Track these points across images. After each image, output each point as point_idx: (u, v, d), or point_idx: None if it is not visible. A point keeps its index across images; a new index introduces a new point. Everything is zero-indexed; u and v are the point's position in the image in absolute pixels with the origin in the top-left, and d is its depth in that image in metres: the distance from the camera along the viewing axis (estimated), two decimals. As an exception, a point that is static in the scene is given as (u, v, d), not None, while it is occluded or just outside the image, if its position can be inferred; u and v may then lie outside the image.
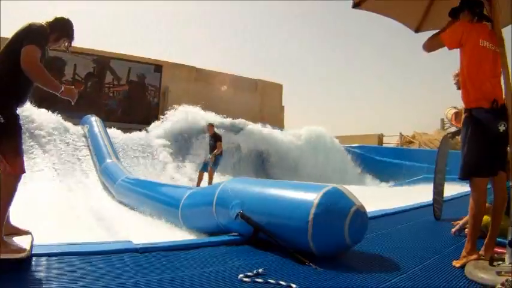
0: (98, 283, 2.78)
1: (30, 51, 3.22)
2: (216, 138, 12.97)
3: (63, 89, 3.39)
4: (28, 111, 14.26)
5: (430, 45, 3.72)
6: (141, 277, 2.95)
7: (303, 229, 3.40)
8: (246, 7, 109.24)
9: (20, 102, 3.41)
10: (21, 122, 3.34)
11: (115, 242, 4.19)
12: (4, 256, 2.87)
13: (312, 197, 3.49)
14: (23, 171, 3.19)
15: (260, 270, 3.03)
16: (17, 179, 3.14)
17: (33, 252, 3.20)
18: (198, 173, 13.27)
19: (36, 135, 13.97)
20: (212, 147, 12.90)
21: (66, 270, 2.99)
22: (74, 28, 3.84)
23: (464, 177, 3.34)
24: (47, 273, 2.91)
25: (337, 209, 3.40)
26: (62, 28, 3.72)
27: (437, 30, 3.72)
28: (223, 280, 2.91)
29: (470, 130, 3.28)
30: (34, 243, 3.36)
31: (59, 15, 3.71)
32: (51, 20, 3.65)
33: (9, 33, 3.48)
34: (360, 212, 3.45)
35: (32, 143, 13.63)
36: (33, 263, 3.10)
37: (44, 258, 3.21)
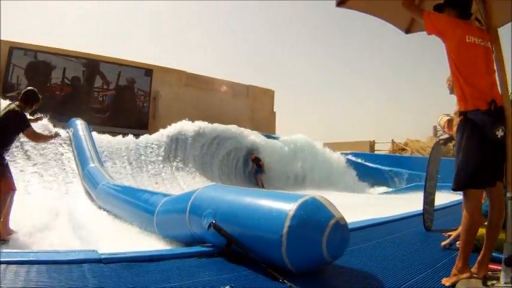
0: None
1: (31, 133, 6.33)
2: (257, 161, 18.87)
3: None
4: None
5: (410, 7, 3.48)
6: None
7: (277, 242, 3.10)
8: (238, 11, 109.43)
9: (7, 150, 6.06)
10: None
11: (79, 250, 3.94)
12: None
13: (288, 207, 3.20)
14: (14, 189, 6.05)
15: (227, 287, 2.75)
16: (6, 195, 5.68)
17: None
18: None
19: (20, 137, 13.68)
20: (257, 166, 18.88)
21: (19, 281, 2.81)
22: (36, 92, 6.41)
23: (459, 188, 3.05)
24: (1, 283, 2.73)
25: (314, 221, 3.10)
26: (32, 100, 6.33)
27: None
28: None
29: (465, 136, 3.00)
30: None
31: (24, 91, 6.33)
32: (22, 98, 6.22)
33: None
34: (340, 224, 3.15)
35: (16, 146, 13.38)
36: None
37: (2, 266, 3.05)
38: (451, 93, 4.95)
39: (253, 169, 19.02)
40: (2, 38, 20.56)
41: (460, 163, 3.02)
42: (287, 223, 3.09)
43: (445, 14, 3.34)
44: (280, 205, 3.33)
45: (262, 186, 18.01)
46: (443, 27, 3.20)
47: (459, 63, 3.12)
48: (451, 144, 6.04)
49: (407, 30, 4.45)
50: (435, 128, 25.53)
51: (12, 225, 6.28)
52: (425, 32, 3.46)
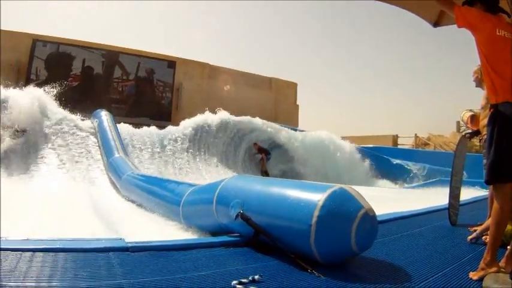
0: (79, 283, 2.59)
1: None
2: (260, 151, 19.05)
3: None
4: (38, 104, 14.33)
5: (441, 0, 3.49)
6: (127, 278, 2.74)
7: (306, 233, 3.10)
8: (261, 4, 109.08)
9: None
10: None
11: (105, 239, 3.98)
12: None
13: (316, 197, 3.18)
14: None
15: (256, 276, 2.77)
16: None
17: (18, 247, 3.17)
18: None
19: (44, 129, 13.92)
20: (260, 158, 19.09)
21: (47, 268, 2.82)
22: None
23: (490, 182, 3.04)
24: (27, 270, 2.75)
25: (343, 211, 3.09)
26: None
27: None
28: (216, 286, 2.67)
29: (496, 128, 2.98)
30: (21, 238, 3.39)
31: None
32: None
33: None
34: (369, 215, 3.14)
35: (40, 137, 13.61)
36: (15, 259, 2.96)
37: (28, 254, 3.08)
38: (477, 86, 4.93)
39: (264, 160, 18.98)
40: (25, 31, 21.01)
41: (491, 157, 3.01)
42: (316, 213, 3.08)
43: (475, 8, 3.33)
44: (309, 195, 3.32)
45: (267, 174, 18.22)
46: (474, 20, 3.19)
47: (490, 56, 3.11)
48: (476, 139, 6.01)
49: (436, 23, 4.41)
50: (458, 123, 25.24)
51: (33, 214, 6.38)
52: (451, 26, 3.46)
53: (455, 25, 3.49)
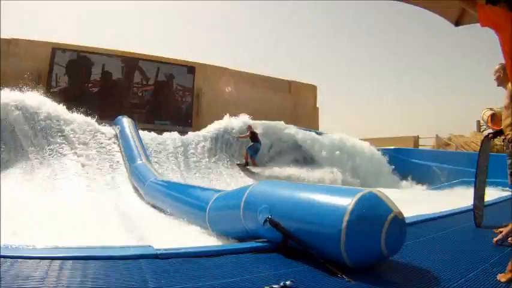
0: (110, 291, 2.60)
1: None
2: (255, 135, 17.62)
3: None
4: (59, 111, 14.54)
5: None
6: (158, 285, 2.77)
7: (336, 237, 3.12)
8: (280, 7, 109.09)
9: None
10: None
11: (134, 246, 4.02)
12: None
13: (346, 202, 3.20)
14: None
15: (288, 282, 2.77)
16: None
17: (48, 255, 3.15)
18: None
19: (67, 135, 14.09)
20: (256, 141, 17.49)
21: (77, 276, 2.84)
22: None
23: None
24: (58, 278, 2.76)
25: (373, 216, 3.11)
26: None
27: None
28: (248, 292, 2.67)
29: None
30: (50, 246, 3.37)
31: None
32: None
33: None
34: (398, 219, 3.16)
35: (63, 143, 13.77)
36: (45, 267, 2.97)
37: (57, 262, 3.09)
38: (498, 86, 4.89)
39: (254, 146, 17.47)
40: (45, 39, 21.34)
41: None
42: (346, 218, 3.10)
43: (499, 6, 3.33)
44: (338, 200, 3.33)
45: (254, 165, 17.39)
46: (498, 20, 3.18)
47: None
48: (499, 139, 5.98)
49: (457, 23, 4.40)
50: (478, 122, 25.01)
51: (56, 220, 6.51)
52: (471, 26, 3.46)
53: (477, 24, 3.50)
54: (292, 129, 19.71)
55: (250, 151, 17.20)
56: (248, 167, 17.19)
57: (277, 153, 19.17)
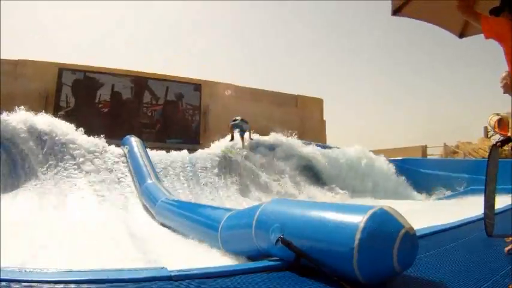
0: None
1: None
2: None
3: None
4: (68, 133, 14.66)
5: (466, 12, 3.52)
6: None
7: (348, 255, 3.15)
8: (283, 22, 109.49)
9: None
10: None
11: (147, 268, 4.02)
12: None
13: (357, 219, 3.23)
14: None
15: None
16: None
17: (61, 279, 3.14)
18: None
19: (76, 156, 14.20)
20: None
21: None
22: None
23: None
24: None
25: (384, 232, 3.14)
26: None
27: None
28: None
29: None
30: (63, 268, 3.34)
31: None
32: None
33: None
34: (409, 234, 3.18)
35: (72, 164, 13.86)
36: None
37: (72, 286, 3.08)
38: (505, 93, 4.92)
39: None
40: (51, 60, 21.57)
41: None
42: (358, 236, 3.13)
43: (503, 17, 3.37)
44: (350, 217, 3.37)
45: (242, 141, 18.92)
46: (502, 31, 3.22)
47: None
48: (508, 147, 5.98)
49: (461, 35, 4.46)
50: (486, 128, 24.99)
51: (66, 242, 6.54)
52: (477, 35, 3.52)
53: (481, 34, 3.55)
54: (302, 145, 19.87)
55: (235, 128, 18.85)
56: (233, 141, 18.91)
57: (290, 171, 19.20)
